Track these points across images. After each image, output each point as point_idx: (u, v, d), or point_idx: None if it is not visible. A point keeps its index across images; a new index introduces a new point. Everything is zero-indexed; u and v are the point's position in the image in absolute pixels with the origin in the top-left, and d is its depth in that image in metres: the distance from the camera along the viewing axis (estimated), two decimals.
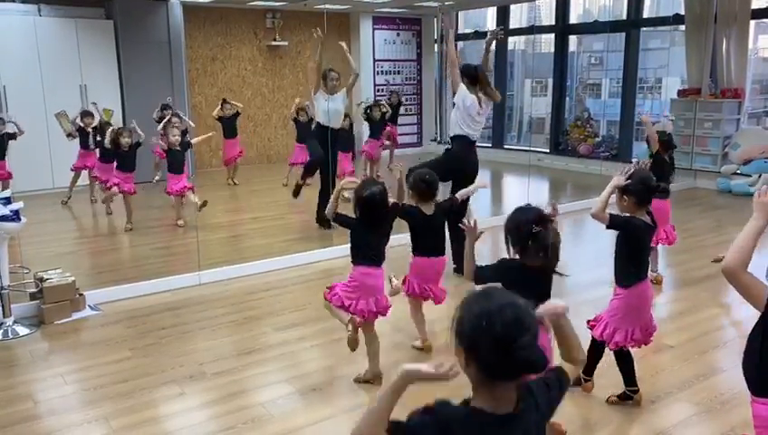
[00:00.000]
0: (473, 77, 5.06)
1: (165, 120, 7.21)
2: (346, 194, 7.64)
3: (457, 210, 3.97)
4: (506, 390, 1.37)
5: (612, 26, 10.57)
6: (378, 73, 12.02)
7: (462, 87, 5.06)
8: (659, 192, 3.75)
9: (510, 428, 1.37)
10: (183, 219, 6.85)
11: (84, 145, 7.55)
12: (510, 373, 1.34)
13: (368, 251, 3.28)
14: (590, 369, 3.16)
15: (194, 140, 6.87)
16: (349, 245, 5.76)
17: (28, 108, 8.15)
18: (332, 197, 3.42)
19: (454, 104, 5.15)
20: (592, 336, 3.08)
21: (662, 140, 4.87)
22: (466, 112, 5.03)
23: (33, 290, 4.45)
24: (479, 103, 5.02)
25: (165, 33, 9.29)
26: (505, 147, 11.57)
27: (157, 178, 8.10)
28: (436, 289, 3.74)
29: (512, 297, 1.37)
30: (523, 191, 5.73)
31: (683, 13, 8.96)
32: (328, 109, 6.50)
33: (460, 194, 4.02)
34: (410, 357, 3.60)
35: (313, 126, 6.83)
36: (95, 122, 7.44)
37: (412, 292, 3.73)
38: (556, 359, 1.71)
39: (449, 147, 5.21)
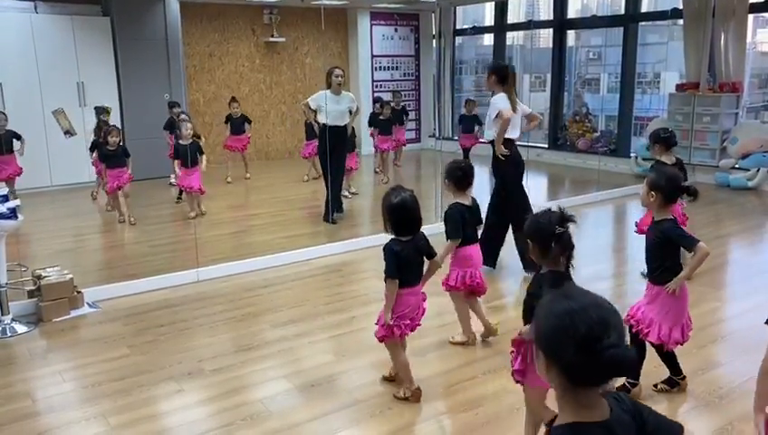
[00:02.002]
0: (503, 76, 4.88)
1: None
2: (347, 193, 7.76)
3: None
4: (591, 397, 1.26)
5: (610, 21, 10.55)
6: (376, 69, 12.00)
7: (495, 97, 4.94)
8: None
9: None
10: (195, 211, 6.91)
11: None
12: (596, 377, 1.22)
13: (414, 269, 3.05)
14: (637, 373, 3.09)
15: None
16: (348, 241, 5.82)
17: (25, 106, 8.15)
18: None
19: (498, 115, 4.89)
20: (638, 340, 3.05)
21: (663, 138, 4.77)
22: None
23: (32, 288, 4.45)
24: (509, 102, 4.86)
25: (162, 30, 9.26)
26: None
27: (172, 179, 8.15)
28: (480, 277, 3.69)
29: (594, 297, 1.27)
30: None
31: (681, 7, 8.94)
32: (332, 110, 6.48)
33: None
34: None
35: (317, 128, 6.77)
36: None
37: (461, 284, 3.64)
38: None
39: (504, 153, 4.96)
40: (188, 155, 6.79)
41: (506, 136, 4.93)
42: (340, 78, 6.56)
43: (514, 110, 4.90)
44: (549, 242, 2.36)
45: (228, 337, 3.99)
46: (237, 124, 8.97)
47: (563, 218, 2.36)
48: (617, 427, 1.26)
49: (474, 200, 3.80)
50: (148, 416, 3.09)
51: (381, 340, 3.11)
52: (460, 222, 3.62)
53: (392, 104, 9.71)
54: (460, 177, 3.68)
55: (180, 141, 6.90)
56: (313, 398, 3.22)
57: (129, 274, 5.13)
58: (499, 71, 4.94)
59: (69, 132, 7.76)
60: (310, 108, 6.64)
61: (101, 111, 7.67)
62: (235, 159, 9.21)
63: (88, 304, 4.52)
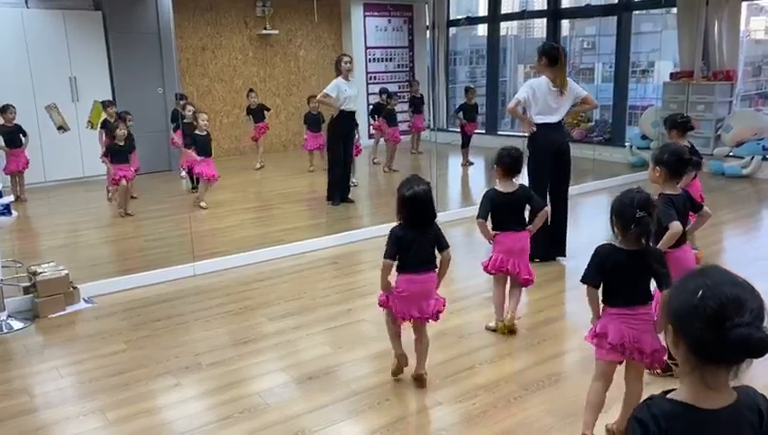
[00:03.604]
0: (553, 58, 4.78)
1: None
2: (355, 180, 8.06)
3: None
4: (718, 377, 1.22)
5: (604, 10, 10.54)
6: (370, 61, 11.97)
7: (526, 84, 4.95)
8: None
9: (722, 424, 1.23)
10: (205, 202, 7.12)
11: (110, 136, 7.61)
12: (723, 356, 1.19)
13: (417, 256, 3.02)
14: None
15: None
16: (344, 233, 5.83)
17: (18, 101, 8.08)
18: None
19: (524, 109, 4.94)
20: None
21: (679, 123, 4.80)
22: (538, 100, 4.82)
23: (27, 284, 4.43)
24: (553, 86, 4.78)
25: (154, 24, 9.21)
26: (499, 133, 11.58)
27: (183, 174, 8.29)
28: (522, 265, 3.71)
29: (732, 276, 1.23)
30: (517, 177, 5.73)
31: None
32: (348, 95, 6.94)
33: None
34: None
35: (334, 115, 7.13)
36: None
37: (492, 267, 3.72)
38: None
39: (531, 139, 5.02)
40: (206, 144, 7.17)
41: (540, 121, 4.87)
42: (348, 64, 6.97)
43: (562, 93, 4.84)
44: (629, 223, 2.49)
45: (225, 331, 3.99)
46: (258, 114, 9.38)
47: (646, 204, 2.48)
48: (738, 415, 1.24)
49: (522, 188, 3.78)
50: (146, 410, 3.09)
51: (380, 305, 3.17)
52: (487, 205, 3.67)
53: (411, 93, 9.99)
54: (509, 163, 3.70)
55: (197, 132, 7.17)
56: (311, 390, 3.22)
57: (125, 269, 5.13)
58: (550, 53, 4.82)
59: (62, 128, 7.72)
60: (328, 97, 6.92)
61: (108, 105, 7.71)
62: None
63: (84, 299, 4.52)
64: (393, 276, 3.09)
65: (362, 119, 10.00)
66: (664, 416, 1.25)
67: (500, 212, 3.71)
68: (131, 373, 3.44)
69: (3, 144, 7.22)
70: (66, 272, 4.47)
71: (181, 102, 8.24)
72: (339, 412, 3.01)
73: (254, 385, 3.30)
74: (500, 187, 3.73)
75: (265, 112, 9.51)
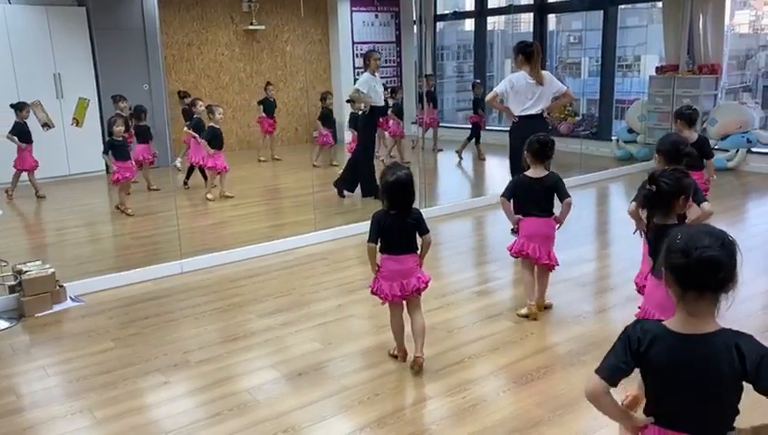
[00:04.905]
0: (529, 54, 5.20)
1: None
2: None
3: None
4: (698, 306, 1.51)
5: (590, 4, 10.56)
6: (357, 56, 11.92)
7: (506, 78, 5.31)
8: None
9: (693, 348, 1.52)
10: (213, 195, 7.29)
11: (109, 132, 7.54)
12: (691, 278, 1.48)
13: (397, 239, 3.21)
14: None
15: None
16: (333, 229, 5.82)
17: (1, 99, 8.00)
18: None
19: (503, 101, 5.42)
20: None
21: (686, 114, 4.85)
22: (517, 93, 5.24)
23: (12, 283, 4.39)
24: (531, 78, 5.19)
25: (139, 19, 9.13)
26: (487, 128, 11.58)
27: (178, 163, 8.32)
28: (543, 251, 3.80)
29: (717, 230, 1.52)
30: (506, 172, 5.75)
31: None
32: (379, 90, 7.06)
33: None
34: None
35: (363, 111, 7.13)
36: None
37: (514, 251, 3.87)
38: None
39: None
40: (221, 137, 7.39)
41: (520, 113, 5.28)
42: (378, 61, 7.12)
43: (540, 83, 5.23)
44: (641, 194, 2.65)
45: (214, 328, 3.98)
46: (272, 107, 9.70)
47: (652, 179, 2.55)
48: (712, 346, 1.51)
49: (550, 176, 3.83)
50: (135, 408, 3.07)
51: (373, 293, 3.32)
52: (510, 187, 3.86)
53: (428, 87, 10.18)
54: (537, 149, 3.79)
55: (213, 125, 7.31)
56: (301, 386, 3.22)
57: (113, 266, 5.09)
58: (524, 50, 5.25)
59: (47, 125, 7.65)
60: (361, 93, 6.93)
61: (119, 99, 7.66)
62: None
63: (71, 297, 4.48)
64: (379, 258, 3.27)
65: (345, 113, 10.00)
66: (645, 331, 1.57)
67: (524, 197, 3.84)
68: (119, 372, 3.42)
69: (18, 141, 7.24)
70: (52, 270, 4.43)
71: (187, 100, 8.25)
72: (329, 408, 3.01)
73: (244, 382, 3.30)
74: (529, 172, 3.84)
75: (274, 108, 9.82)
